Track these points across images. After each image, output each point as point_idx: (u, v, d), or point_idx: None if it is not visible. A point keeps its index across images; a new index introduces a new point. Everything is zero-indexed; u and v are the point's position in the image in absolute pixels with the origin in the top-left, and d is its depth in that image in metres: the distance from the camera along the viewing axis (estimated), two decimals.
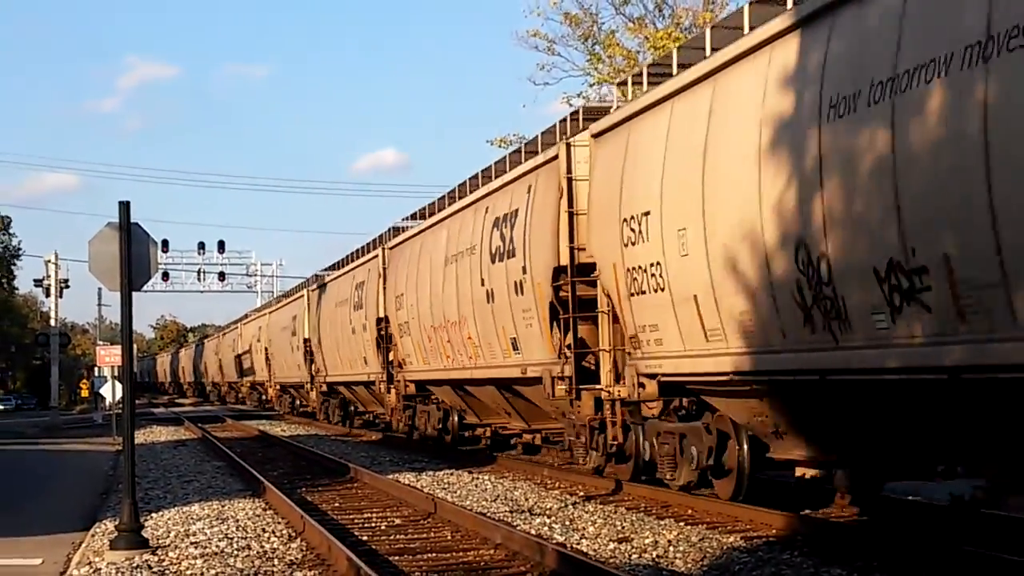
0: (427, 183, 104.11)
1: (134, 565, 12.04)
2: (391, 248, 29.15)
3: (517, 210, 19.34)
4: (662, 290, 14.18)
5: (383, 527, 14.63)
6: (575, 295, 17.19)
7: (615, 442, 16.71)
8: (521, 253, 18.93)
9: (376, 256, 30.41)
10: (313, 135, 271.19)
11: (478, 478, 20.07)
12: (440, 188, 24.63)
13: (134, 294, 13.43)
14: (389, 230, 31.11)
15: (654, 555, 11.82)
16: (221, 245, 74.29)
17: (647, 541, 12.59)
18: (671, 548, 12.11)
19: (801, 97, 11.10)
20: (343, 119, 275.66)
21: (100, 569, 11.90)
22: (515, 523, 14.07)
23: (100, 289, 68.50)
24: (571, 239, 17.32)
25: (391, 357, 29.03)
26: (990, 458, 10.64)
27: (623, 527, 13.66)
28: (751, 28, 12.88)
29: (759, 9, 13.16)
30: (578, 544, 12.59)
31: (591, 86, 38.23)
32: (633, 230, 14.82)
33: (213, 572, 11.61)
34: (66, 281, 56.38)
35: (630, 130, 15.42)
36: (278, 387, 53.11)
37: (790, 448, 13.32)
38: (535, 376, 18.72)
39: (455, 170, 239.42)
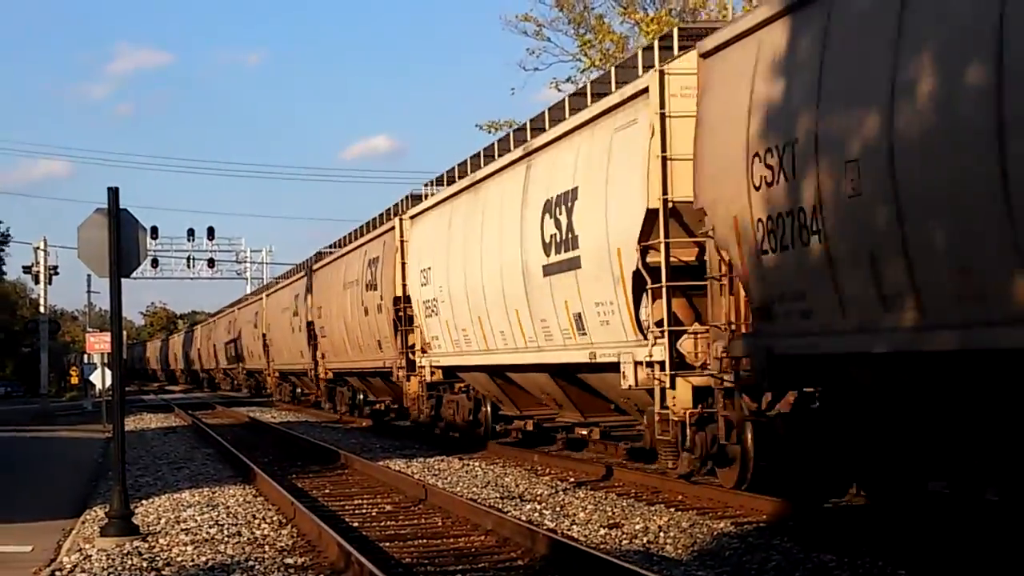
0: (420, 170, 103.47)
1: (124, 552, 12.02)
2: (315, 270, 38.86)
3: (378, 257, 29.03)
4: (437, 315, 23.66)
5: (374, 513, 14.68)
6: (407, 315, 26.55)
7: (429, 409, 26.09)
8: (379, 286, 28.66)
9: (304, 276, 40.74)
10: (305, 122, 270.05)
11: (468, 464, 20.13)
12: (432, 174, 27.05)
13: (123, 281, 13.39)
14: (315, 254, 41.16)
15: (645, 541, 11.87)
16: (211, 232, 73.76)
17: (638, 527, 12.63)
18: (662, 534, 12.16)
19: (515, 201, 19.62)
20: (335, 106, 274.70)
21: (90, 556, 11.86)
22: (506, 509, 14.14)
23: (89, 276, 67.56)
24: (403, 279, 26.61)
25: (318, 352, 38.47)
26: None
27: (614, 513, 13.71)
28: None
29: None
30: (569, 530, 12.63)
31: (581, 71, 38.20)
32: (424, 278, 24.33)
33: (204, 558, 11.61)
34: (55, 268, 55.81)
35: (424, 217, 25.09)
36: (245, 372, 62.92)
37: (508, 409, 22.63)
38: (390, 366, 28.09)
39: (448, 156, 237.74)
